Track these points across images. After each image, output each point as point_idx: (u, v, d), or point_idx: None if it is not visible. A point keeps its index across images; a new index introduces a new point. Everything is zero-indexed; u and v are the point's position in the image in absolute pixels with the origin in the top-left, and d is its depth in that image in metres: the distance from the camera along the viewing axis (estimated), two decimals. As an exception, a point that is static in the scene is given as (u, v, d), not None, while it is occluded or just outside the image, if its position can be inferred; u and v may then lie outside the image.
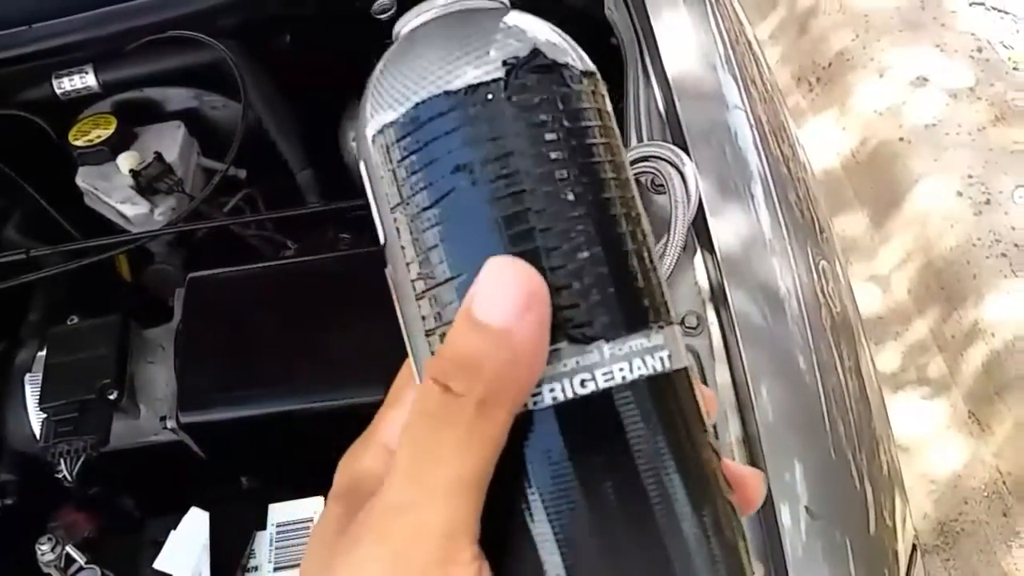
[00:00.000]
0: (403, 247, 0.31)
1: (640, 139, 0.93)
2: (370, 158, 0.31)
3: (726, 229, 0.85)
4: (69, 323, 0.85)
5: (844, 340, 0.86)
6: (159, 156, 1.00)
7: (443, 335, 0.29)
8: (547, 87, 0.30)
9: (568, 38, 0.32)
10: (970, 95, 2.29)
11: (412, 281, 0.31)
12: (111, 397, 0.80)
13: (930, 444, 1.84)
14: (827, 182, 2.24)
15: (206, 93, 1.11)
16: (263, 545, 0.77)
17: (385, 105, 0.30)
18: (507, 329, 0.27)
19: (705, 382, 0.79)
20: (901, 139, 2.23)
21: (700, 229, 0.88)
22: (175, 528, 0.77)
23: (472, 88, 0.29)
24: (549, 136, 0.29)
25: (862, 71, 2.42)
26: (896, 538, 0.78)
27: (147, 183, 0.99)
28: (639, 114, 0.95)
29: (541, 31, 0.31)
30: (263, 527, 0.77)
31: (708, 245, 0.87)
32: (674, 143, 0.88)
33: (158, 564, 0.76)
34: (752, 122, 0.95)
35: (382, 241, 0.32)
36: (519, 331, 0.27)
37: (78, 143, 1.02)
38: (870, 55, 2.44)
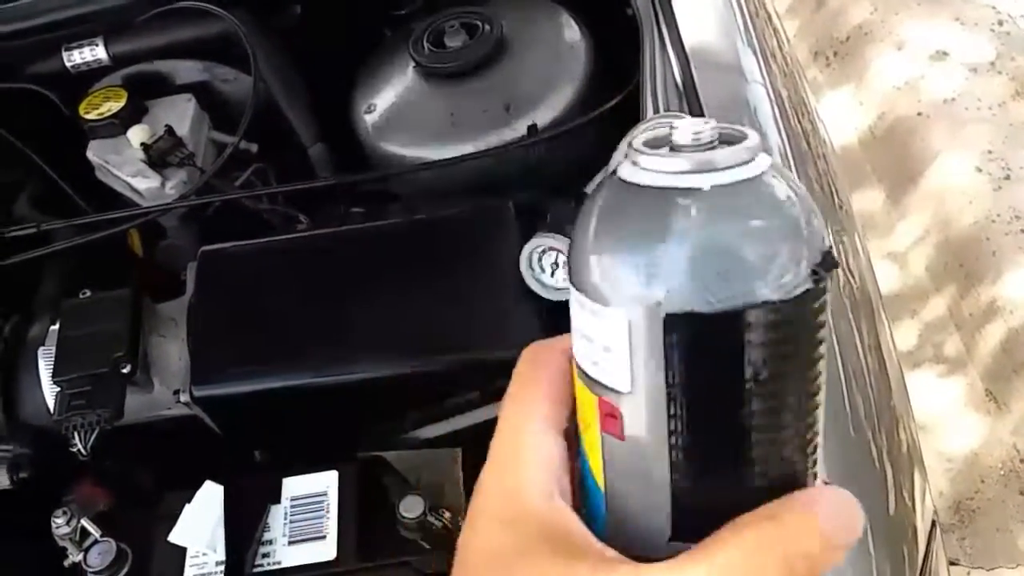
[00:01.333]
0: (661, 411, 0.30)
1: (656, 111, 0.92)
2: (630, 318, 0.29)
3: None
4: (82, 296, 0.85)
5: (864, 316, 0.84)
6: (170, 129, 0.99)
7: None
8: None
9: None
10: (990, 69, 2.26)
11: (667, 437, 0.30)
12: (124, 370, 0.80)
13: (947, 422, 1.83)
14: (844, 157, 2.21)
15: (217, 66, 1.10)
16: (278, 519, 0.76)
17: (680, 287, 0.28)
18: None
19: None
20: (920, 114, 2.20)
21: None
22: (189, 502, 0.77)
23: (791, 301, 0.28)
24: (822, 344, 0.30)
25: (880, 45, 2.39)
26: (915, 516, 0.77)
27: (158, 156, 0.98)
28: (655, 85, 0.93)
29: (818, 216, 0.30)
30: (277, 501, 0.77)
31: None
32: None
33: (172, 537, 0.75)
34: (772, 96, 0.94)
35: (629, 385, 0.30)
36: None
37: (89, 116, 1.01)
38: (888, 29, 2.40)
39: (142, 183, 0.98)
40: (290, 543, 0.75)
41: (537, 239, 0.81)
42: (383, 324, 0.81)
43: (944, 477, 1.78)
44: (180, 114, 1.03)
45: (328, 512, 0.76)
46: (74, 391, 0.78)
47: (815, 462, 0.31)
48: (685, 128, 0.30)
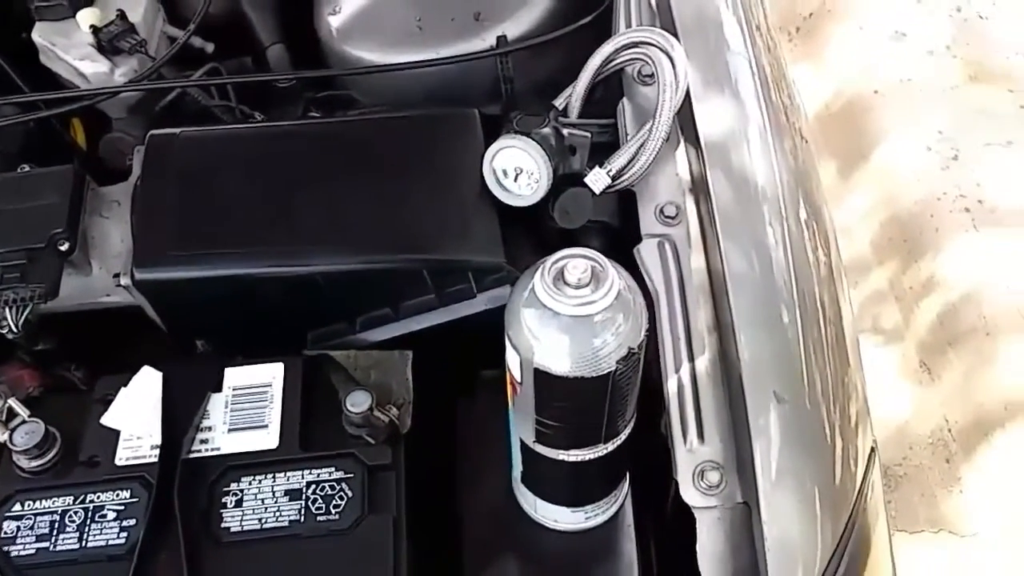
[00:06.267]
0: (528, 404, 0.63)
1: (629, 26, 0.91)
2: (525, 363, 0.59)
3: (711, 118, 0.83)
4: (20, 171, 0.80)
5: (827, 290, 0.84)
6: (122, 14, 0.95)
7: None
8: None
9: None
10: (945, 53, 2.30)
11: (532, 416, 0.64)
12: (62, 248, 0.76)
13: (879, 391, 1.87)
14: (800, 130, 2.24)
15: (176, -42, 1.05)
16: (218, 407, 0.74)
17: (555, 357, 0.57)
18: None
19: (681, 270, 0.77)
20: (876, 92, 2.24)
21: (684, 121, 0.86)
22: (126, 386, 0.74)
23: (606, 375, 0.57)
24: (629, 389, 0.62)
25: (842, 23, 2.41)
26: (858, 481, 0.78)
27: (108, 41, 0.94)
28: (629, 3, 0.92)
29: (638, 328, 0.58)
30: (219, 390, 0.75)
31: (691, 137, 0.85)
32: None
33: (106, 420, 0.72)
34: (754, 69, 0.92)
35: (519, 380, 0.61)
36: None
37: (35, -3, 0.96)
38: (851, 8, 2.43)
39: (89, 67, 0.94)
40: (230, 431, 0.72)
41: (502, 141, 0.79)
42: (338, 218, 0.79)
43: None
44: (134, 1, 0.98)
45: (271, 403, 0.74)
46: (7, 264, 0.75)
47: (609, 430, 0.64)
48: (573, 270, 0.56)
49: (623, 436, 0.65)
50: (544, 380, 0.57)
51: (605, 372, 0.56)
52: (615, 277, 0.55)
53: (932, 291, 1.94)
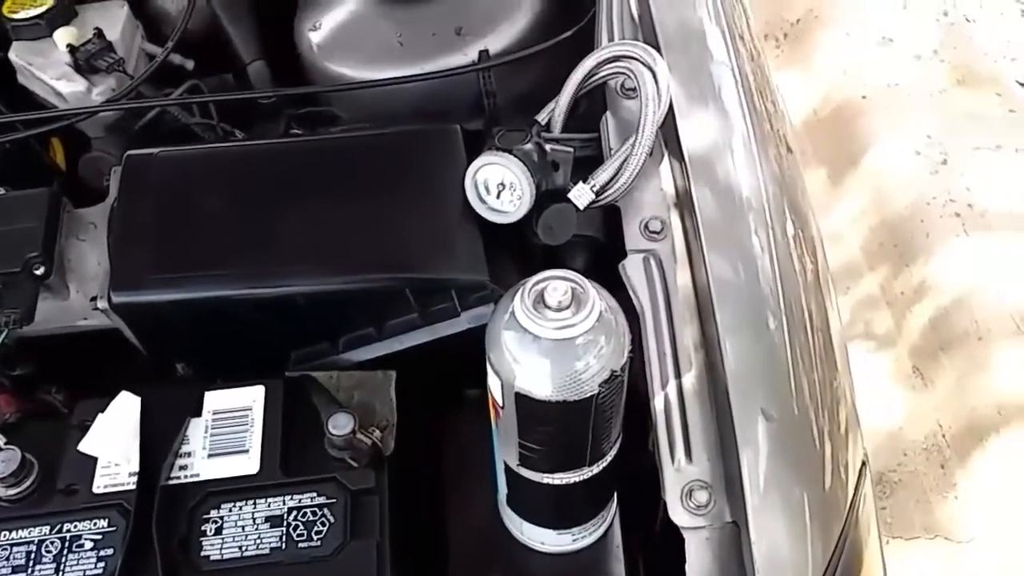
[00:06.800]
0: (511, 428, 0.62)
1: (611, 40, 0.90)
2: (506, 386, 0.58)
3: (695, 132, 0.83)
4: (-5, 194, 0.79)
5: (814, 297, 0.84)
6: (99, 32, 0.94)
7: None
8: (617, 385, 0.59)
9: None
10: (933, 57, 2.30)
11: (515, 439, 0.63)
12: (38, 272, 0.75)
13: (873, 397, 1.87)
14: (788, 136, 2.24)
15: (155, -25, 1.05)
16: (198, 432, 0.72)
17: (536, 381, 0.56)
18: None
19: (667, 286, 0.76)
20: (864, 97, 2.24)
21: (668, 135, 0.85)
22: (103, 412, 0.73)
23: (579, 400, 0.56)
24: (613, 412, 0.61)
25: (829, 29, 2.42)
26: (848, 489, 0.77)
27: (85, 60, 0.93)
28: (611, 16, 0.92)
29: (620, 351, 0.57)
30: (198, 414, 0.73)
31: (675, 151, 0.84)
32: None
33: (83, 447, 0.71)
34: (738, 77, 0.92)
35: (501, 404, 0.60)
36: None
37: (13, 16, 0.95)
38: (838, 13, 2.43)
39: (67, 87, 0.93)
40: (210, 456, 0.71)
41: (484, 157, 0.78)
42: (319, 237, 0.78)
43: (868, 450, 1.81)
44: (112, 20, 0.98)
45: (252, 426, 0.73)
46: (-19, 290, 0.73)
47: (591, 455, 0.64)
48: (554, 293, 0.55)
49: (609, 458, 0.64)
50: (526, 404, 0.56)
51: (588, 395, 0.55)
52: (596, 299, 0.54)
53: (924, 296, 1.94)
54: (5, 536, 0.68)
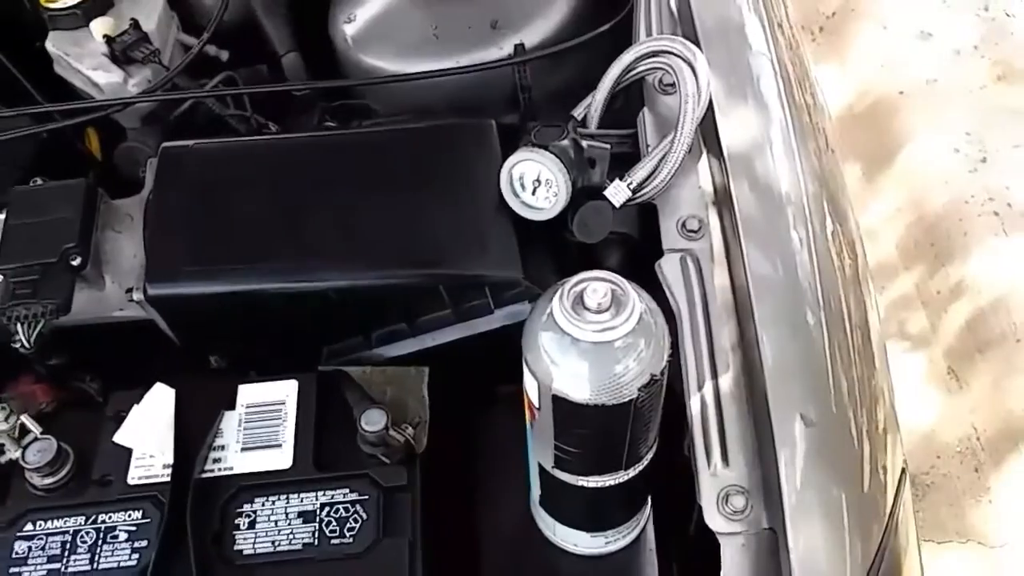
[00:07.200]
0: (547, 430, 0.61)
1: (650, 34, 0.88)
2: (543, 388, 0.57)
3: (734, 128, 0.81)
4: (33, 184, 0.80)
5: (853, 294, 0.82)
6: (135, 23, 0.94)
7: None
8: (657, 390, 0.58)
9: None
10: (973, 53, 2.25)
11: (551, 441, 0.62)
12: (74, 263, 0.75)
13: (907, 398, 1.83)
14: (823, 132, 2.20)
15: (191, -33, 1.04)
16: (231, 425, 0.72)
17: (574, 383, 0.55)
18: None
19: (704, 286, 0.75)
20: (901, 93, 2.20)
21: (707, 132, 0.84)
22: (138, 403, 0.73)
23: (627, 402, 0.56)
24: (651, 415, 0.61)
25: (866, 22, 2.37)
26: (888, 491, 0.76)
27: (121, 51, 0.93)
28: (650, 10, 0.90)
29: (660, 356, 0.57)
30: (232, 407, 0.73)
31: (714, 148, 0.83)
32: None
33: (118, 438, 0.71)
34: (776, 68, 0.90)
35: (537, 405, 0.60)
36: None
37: (50, 6, 0.95)
38: (875, 6, 2.39)
39: (103, 77, 0.93)
40: (243, 450, 0.71)
41: (520, 154, 0.78)
42: (352, 232, 0.77)
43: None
44: (148, 10, 0.97)
45: (285, 421, 0.73)
46: (19, 280, 0.74)
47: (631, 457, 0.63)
48: (593, 294, 0.54)
49: (645, 461, 0.63)
50: (563, 407, 0.55)
51: (627, 400, 0.54)
52: (636, 301, 0.53)
53: (960, 296, 1.90)
54: (41, 526, 0.68)
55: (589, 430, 0.58)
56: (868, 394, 0.76)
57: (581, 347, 0.53)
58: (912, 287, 1.96)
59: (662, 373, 0.55)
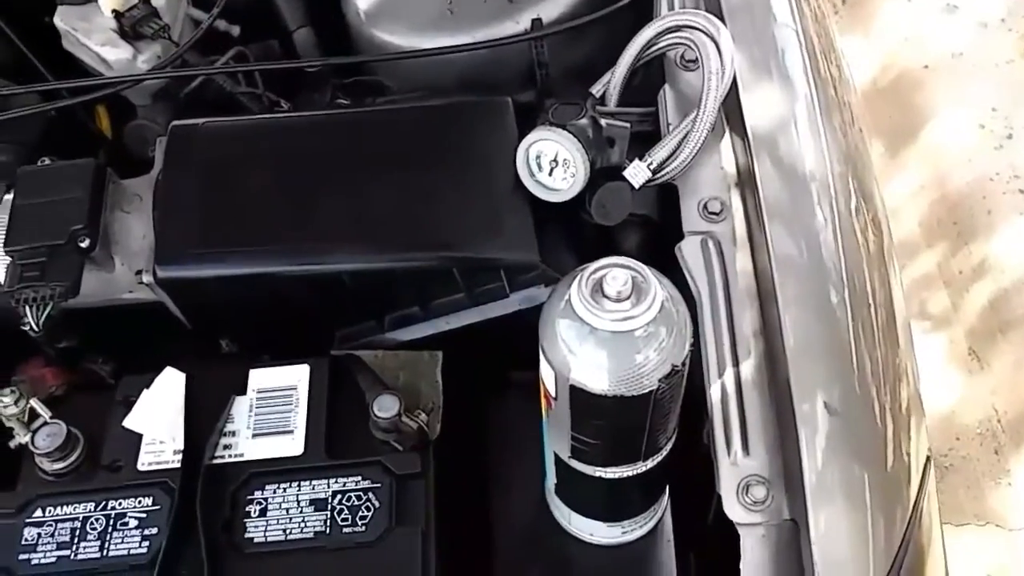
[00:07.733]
0: (563, 420, 0.59)
1: (672, 8, 0.86)
2: (560, 378, 0.55)
3: (758, 105, 0.79)
4: (40, 164, 0.78)
5: (877, 271, 0.80)
6: (145, -2, 0.92)
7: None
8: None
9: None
10: (1000, 26, 2.20)
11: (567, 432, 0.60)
12: (83, 244, 0.74)
13: (926, 379, 1.81)
14: (846, 106, 2.16)
15: (200, -61, 1.02)
16: (242, 410, 0.71)
17: (592, 374, 0.53)
18: None
19: (726, 270, 0.73)
20: (926, 66, 2.15)
21: (730, 110, 0.81)
22: (148, 387, 0.72)
23: (647, 394, 0.54)
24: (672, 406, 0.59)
25: (890, -6, 2.32)
26: (911, 472, 0.74)
27: (131, 26, 0.91)
28: (672, -17, 0.87)
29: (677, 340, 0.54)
30: (243, 392, 0.72)
31: (738, 127, 0.80)
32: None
33: (128, 423, 0.70)
34: (802, 40, 0.87)
35: (554, 395, 0.58)
36: None
37: (58, -21, 0.93)
38: (900, -23, 2.33)
39: (111, 53, 0.91)
40: (254, 436, 0.70)
41: (537, 132, 0.75)
42: (365, 213, 0.75)
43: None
44: (157, -16, 0.95)
45: (297, 407, 0.71)
46: (27, 262, 0.72)
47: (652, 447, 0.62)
48: (613, 282, 0.52)
49: (664, 452, 0.62)
50: (580, 397, 0.54)
51: (647, 391, 0.52)
52: (658, 289, 0.51)
53: (983, 276, 1.87)
54: (50, 512, 0.68)
55: (607, 421, 0.56)
56: (892, 373, 0.74)
57: (600, 336, 0.51)
58: (934, 266, 1.93)
59: (684, 363, 0.54)
